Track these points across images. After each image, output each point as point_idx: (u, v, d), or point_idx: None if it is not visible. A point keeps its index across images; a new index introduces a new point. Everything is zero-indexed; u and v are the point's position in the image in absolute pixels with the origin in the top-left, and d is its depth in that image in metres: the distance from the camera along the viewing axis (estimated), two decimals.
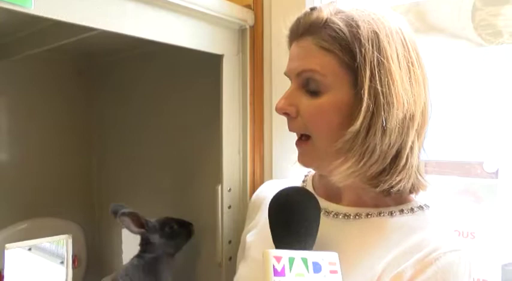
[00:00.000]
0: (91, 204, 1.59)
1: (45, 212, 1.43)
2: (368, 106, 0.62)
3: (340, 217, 0.71)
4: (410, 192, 0.70)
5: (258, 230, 0.83)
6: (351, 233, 0.69)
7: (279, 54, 1.06)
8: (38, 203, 1.44)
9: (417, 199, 0.74)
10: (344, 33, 0.63)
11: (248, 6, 1.07)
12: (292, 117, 0.70)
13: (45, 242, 1.52)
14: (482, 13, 0.85)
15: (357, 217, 0.71)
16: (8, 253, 1.33)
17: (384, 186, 0.66)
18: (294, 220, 0.58)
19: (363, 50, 0.62)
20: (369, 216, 0.70)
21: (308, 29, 0.67)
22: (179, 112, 1.26)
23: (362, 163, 0.64)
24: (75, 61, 1.51)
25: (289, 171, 1.05)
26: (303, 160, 0.73)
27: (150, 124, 1.34)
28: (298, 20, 0.69)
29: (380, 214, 0.70)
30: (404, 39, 0.65)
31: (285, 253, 0.55)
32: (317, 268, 0.56)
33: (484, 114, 0.86)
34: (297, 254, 0.55)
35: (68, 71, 1.50)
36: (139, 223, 1.13)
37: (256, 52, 1.09)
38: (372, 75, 0.62)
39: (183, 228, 1.16)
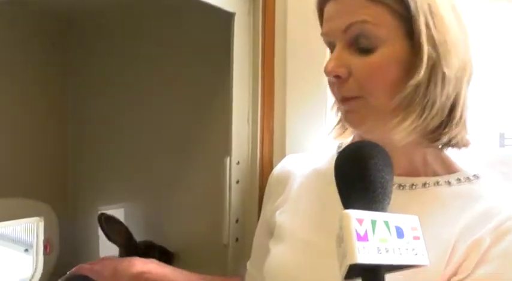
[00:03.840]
0: (64, 185, 1.43)
1: (13, 192, 1.27)
2: (430, 55, 0.58)
3: (395, 187, 0.64)
4: (463, 146, 0.66)
5: (291, 206, 0.74)
6: (408, 204, 0.62)
7: (294, 19, 0.97)
8: (4, 182, 1.27)
9: (465, 168, 0.68)
10: None
11: None
12: (343, 79, 0.62)
13: (14, 224, 1.35)
14: None
15: (413, 187, 0.65)
16: None
17: (444, 139, 0.63)
18: (371, 177, 0.49)
19: None
20: (426, 186, 0.65)
21: None
22: (181, 78, 1.13)
23: (423, 117, 0.60)
24: (47, 26, 1.34)
25: (305, 144, 0.96)
26: (354, 118, 0.65)
27: (144, 92, 1.20)
28: None
29: (437, 183, 0.65)
30: None
31: (367, 215, 0.46)
32: (400, 232, 0.47)
33: None
34: (379, 216, 0.47)
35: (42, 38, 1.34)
36: (123, 237, 1.03)
37: (268, 13, 0.99)
38: (427, 23, 0.58)
39: (164, 256, 1.06)
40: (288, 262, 0.68)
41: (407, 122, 0.59)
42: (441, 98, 0.60)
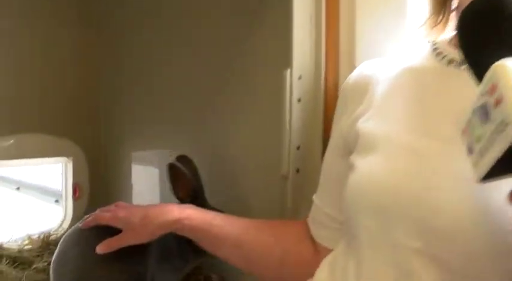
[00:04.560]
0: (96, 126, 1.30)
1: (43, 129, 1.14)
2: None
3: None
4: None
5: (378, 112, 0.60)
6: None
7: None
8: (35, 118, 1.15)
9: None
10: None
11: None
12: None
13: (39, 163, 1.23)
14: None
15: None
16: None
17: None
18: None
19: None
20: None
21: None
22: None
23: None
24: None
25: (378, 52, 0.79)
26: None
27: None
28: None
29: None
30: None
31: None
32: None
33: None
34: None
35: None
36: (187, 194, 0.84)
37: None
38: None
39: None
40: (384, 172, 0.53)
41: None
42: None
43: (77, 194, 1.21)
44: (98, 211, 0.78)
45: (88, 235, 0.76)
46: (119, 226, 0.73)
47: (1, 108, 1.11)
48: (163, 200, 1.12)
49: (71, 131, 1.20)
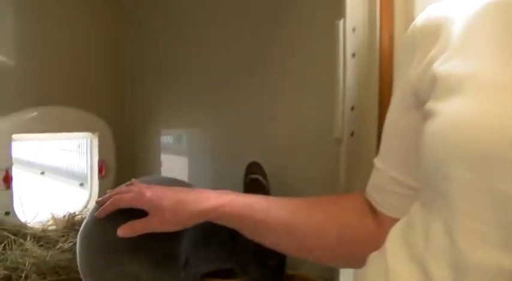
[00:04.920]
0: (123, 103, 1.23)
1: (65, 102, 1.08)
2: None
3: None
4: None
5: (458, 51, 0.52)
6: None
7: None
8: (57, 90, 1.08)
9: None
10: None
11: None
12: None
13: (63, 138, 1.17)
14: None
15: None
16: (16, 146, 0.98)
17: None
18: None
19: None
20: None
21: None
22: None
23: None
24: None
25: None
26: None
27: None
28: None
29: None
30: None
31: None
32: None
33: None
34: None
35: None
36: None
37: None
38: None
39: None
40: (476, 113, 0.45)
41: None
42: None
43: (103, 173, 1.15)
44: (116, 190, 0.68)
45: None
46: (144, 207, 0.63)
47: (26, 81, 1.05)
48: (192, 180, 1.05)
49: (97, 107, 1.13)
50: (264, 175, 0.76)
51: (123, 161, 1.18)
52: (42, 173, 1.77)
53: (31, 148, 1.85)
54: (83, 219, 1.06)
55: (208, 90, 1.05)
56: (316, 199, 0.65)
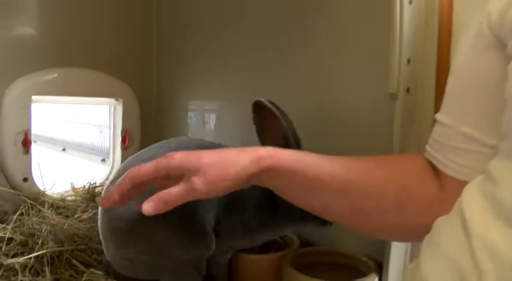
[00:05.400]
0: (149, 67, 1.16)
1: (87, 65, 1.01)
2: None
3: None
4: None
5: None
6: None
7: None
8: (79, 52, 1.02)
9: None
10: None
11: None
12: None
13: (84, 102, 1.11)
14: None
15: None
16: (35, 108, 0.92)
17: None
18: None
19: None
20: None
21: None
22: None
23: None
24: None
25: None
26: None
27: None
28: None
29: None
30: None
31: None
32: None
33: None
34: None
35: None
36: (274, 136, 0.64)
37: None
38: None
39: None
40: None
41: None
42: None
43: (127, 143, 1.08)
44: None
45: None
46: (176, 170, 0.50)
47: (48, 43, 0.99)
48: None
49: (121, 72, 1.06)
50: (281, 112, 0.64)
51: (147, 131, 1.12)
52: (64, 149, 1.73)
53: (52, 125, 1.81)
54: (103, 190, 1.00)
55: (243, 59, 0.97)
56: (372, 157, 0.56)
